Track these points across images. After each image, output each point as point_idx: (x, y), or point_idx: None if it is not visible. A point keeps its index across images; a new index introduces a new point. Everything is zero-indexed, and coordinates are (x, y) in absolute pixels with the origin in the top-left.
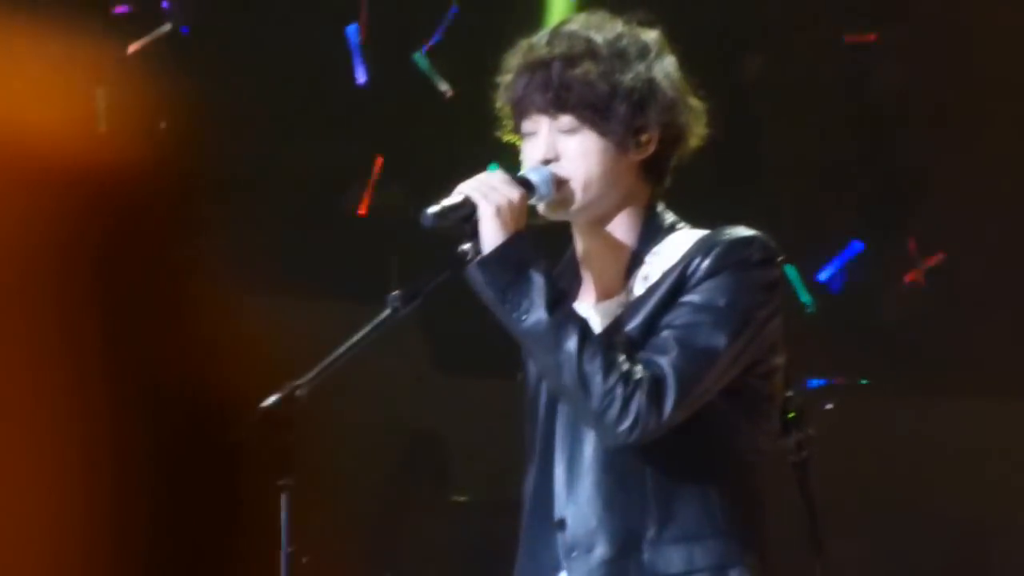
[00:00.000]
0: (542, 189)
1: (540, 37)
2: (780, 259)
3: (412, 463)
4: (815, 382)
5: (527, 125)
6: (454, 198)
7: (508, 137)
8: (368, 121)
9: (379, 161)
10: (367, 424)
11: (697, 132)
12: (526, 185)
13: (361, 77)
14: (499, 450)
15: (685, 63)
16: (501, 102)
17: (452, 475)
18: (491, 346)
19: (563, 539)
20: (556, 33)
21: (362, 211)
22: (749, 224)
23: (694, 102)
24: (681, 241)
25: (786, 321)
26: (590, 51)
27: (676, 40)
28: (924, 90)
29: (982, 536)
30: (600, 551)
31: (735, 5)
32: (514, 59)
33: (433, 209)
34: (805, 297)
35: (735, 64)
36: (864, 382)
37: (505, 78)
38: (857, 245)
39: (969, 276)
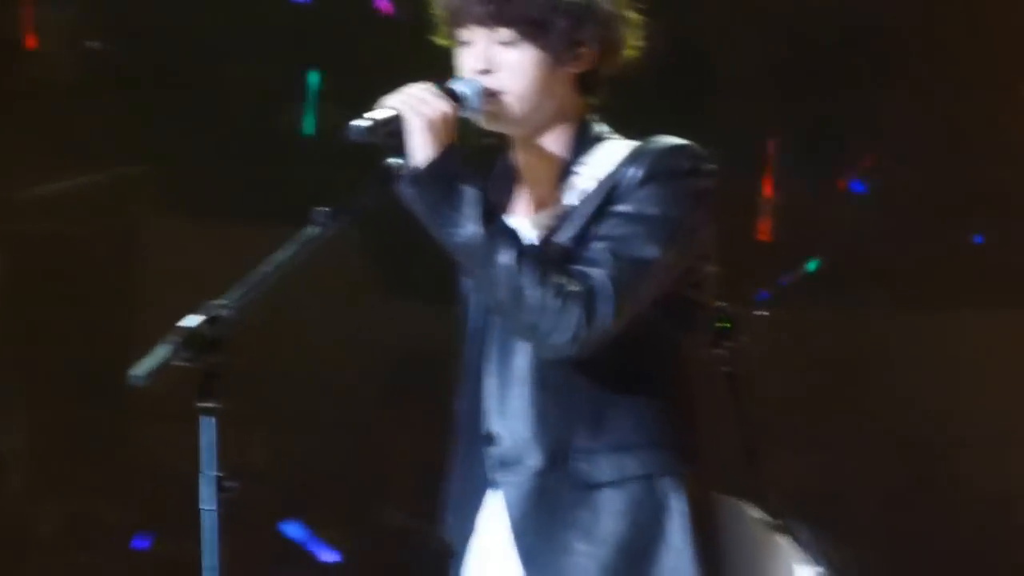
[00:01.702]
0: (472, 101)
1: None
2: (711, 167)
3: (400, 385)
4: (764, 295)
5: (463, 34)
6: (383, 112)
7: (442, 42)
8: (307, 38)
9: (315, 78)
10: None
11: (633, 45)
12: (456, 97)
13: None
14: None
15: None
16: (438, 9)
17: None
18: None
19: (495, 453)
20: None
21: (307, 129)
22: (698, 140)
23: (631, 15)
24: (613, 151)
25: (730, 237)
26: None
27: None
28: (865, 7)
29: (930, 449)
30: (532, 462)
31: None
32: None
33: (360, 123)
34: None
35: None
36: (812, 267)
37: None
38: None
39: (910, 187)
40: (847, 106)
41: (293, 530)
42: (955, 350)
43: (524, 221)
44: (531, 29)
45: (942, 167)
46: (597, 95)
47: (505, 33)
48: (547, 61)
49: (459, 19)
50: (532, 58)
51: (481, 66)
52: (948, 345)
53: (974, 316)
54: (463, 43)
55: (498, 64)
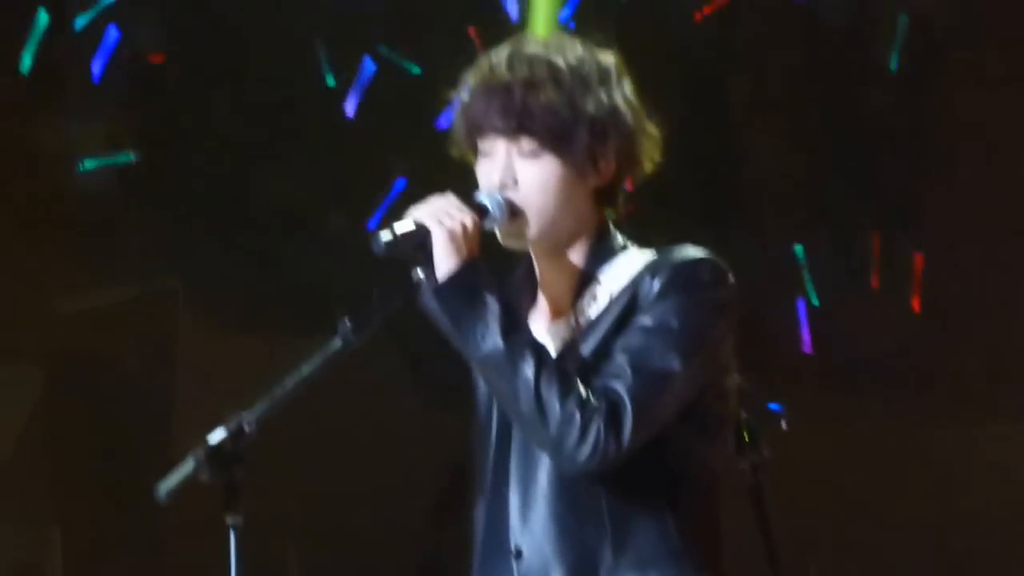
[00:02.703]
0: (496, 213)
1: (499, 58)
2: (731, 279)
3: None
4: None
5: (484, 146)
6: (406, 223)
7: (461, 155)
8: (345, 147)
9: (399, 180)
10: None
11: (652, 158)
12: (480, 209)
13: (351, 110)
14: None
15: (667, 79)
16: (456, 119)
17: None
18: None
19: (518, 569)
20: (517, 55)
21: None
22: (730, 234)
23: (651, 128)
24: (631, 262)
25: (772, 347)
26: (552, 76)
27: (658, 57)
28: (906, 112)
29: (968, 563)
30: None
31: (718, 24)
32: (472, 78)
33: (385, 235)
34: (814, 298)
35: (717, 81)
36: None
37: (462, 96)
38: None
39: (953, 299)
40: (879, 209)
41: None
42: (997, 463)
43: (542, 330)
44: (554, 141)
45: (985, 269)
46: (616, 206)
47: (527, 145)
48: (569, 175)
49: (480, 130)
50: (554, 172)
51: (502, 179)
52: (989, 457)
53: (1015, 428)
54: (483, 155)
55: (520, 178)
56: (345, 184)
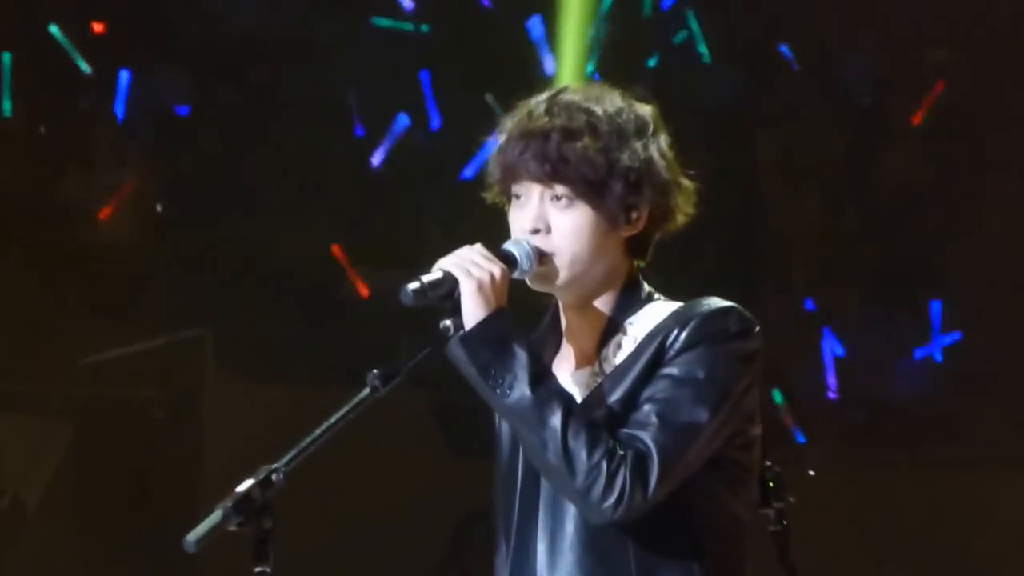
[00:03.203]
0: (524, 263)
1: (538, 104)
2: (757, 330)
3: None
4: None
5: (517, 189)
6: (434, 274)
7: (494, 198)
8: (371, 205)
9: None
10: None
11: (686, 211)
12: (507, 259)
13: (377, 161)
14: None
15: (698, 138)
16: (492, 163)
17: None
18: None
19: None
20: (555, 102)
21: (364, 292)
22: (763, 294)
23: (685, 182)
24: (656, 312)
25: (795, 393)
26: (590, 125)
27: (690, 115)
28: (934, 171)
29: None
30: None
31: (749, 82)
32: (510, 123)
33: (413, 286)
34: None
35: (748, 141)
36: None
37: (499, 140)
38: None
39: (977, 350)
40: (903, 260)
41: None
42: (1021, 511)
43: (566, 377)
44: (587, 190)
45: (1008, 320)
46: (646, 257)
47: (561, 192)
48: (601, 223)
49: (514, 175)
50: (587, 220)
51: (534, 225)
52: (1014, 506)
53: None
54: (516, 198)
55: (553, 224)
56: (372, 237)
